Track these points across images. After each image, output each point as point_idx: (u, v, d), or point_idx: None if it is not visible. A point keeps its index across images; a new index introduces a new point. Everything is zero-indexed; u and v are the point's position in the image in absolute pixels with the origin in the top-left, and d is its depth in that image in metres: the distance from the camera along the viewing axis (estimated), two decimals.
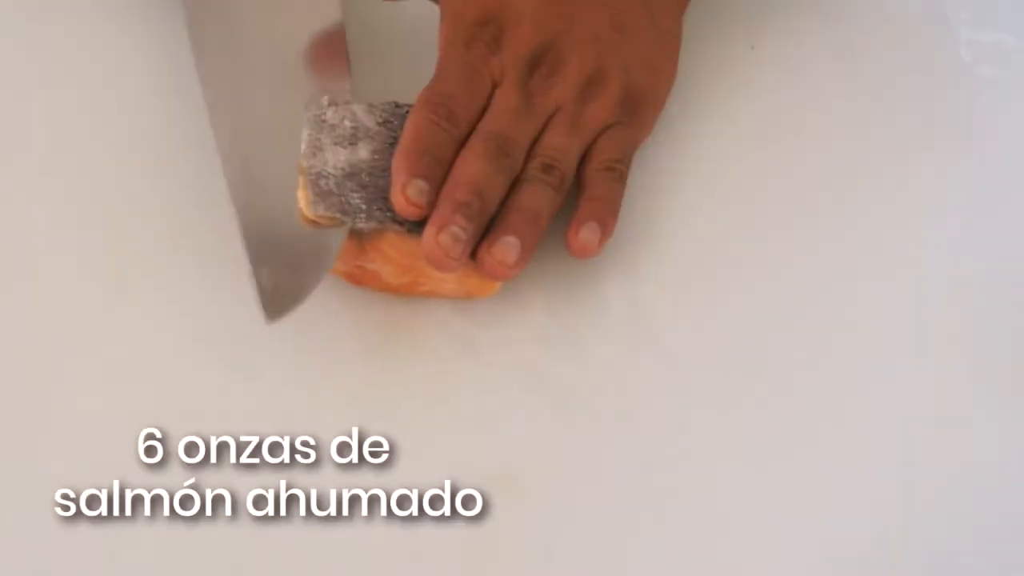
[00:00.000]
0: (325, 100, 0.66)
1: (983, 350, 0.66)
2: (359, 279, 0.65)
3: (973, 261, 0.69)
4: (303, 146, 0.65)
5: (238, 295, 0.64)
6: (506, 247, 0.63)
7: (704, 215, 0.69)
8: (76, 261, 0.66)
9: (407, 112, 0.66)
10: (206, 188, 0.68)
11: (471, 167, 0.64)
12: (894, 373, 0.66)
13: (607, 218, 0.66)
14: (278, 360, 0.64)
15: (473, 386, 0.64)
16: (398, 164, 0.64)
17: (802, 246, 0.69)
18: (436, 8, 0.70)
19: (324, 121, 0.65)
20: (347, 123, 0.66)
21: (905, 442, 0.64)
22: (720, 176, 0.71)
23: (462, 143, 0.65)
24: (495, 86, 0.67)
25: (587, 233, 0.66)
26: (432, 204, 0.63)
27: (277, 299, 0.62)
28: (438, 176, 0.64)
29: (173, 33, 0.71)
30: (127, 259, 0.66)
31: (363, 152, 0.65)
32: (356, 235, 0.64)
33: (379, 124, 0.66)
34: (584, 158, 0.68)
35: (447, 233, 0.62)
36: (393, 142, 0.65)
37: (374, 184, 0.64)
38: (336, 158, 0.65)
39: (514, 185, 0.65)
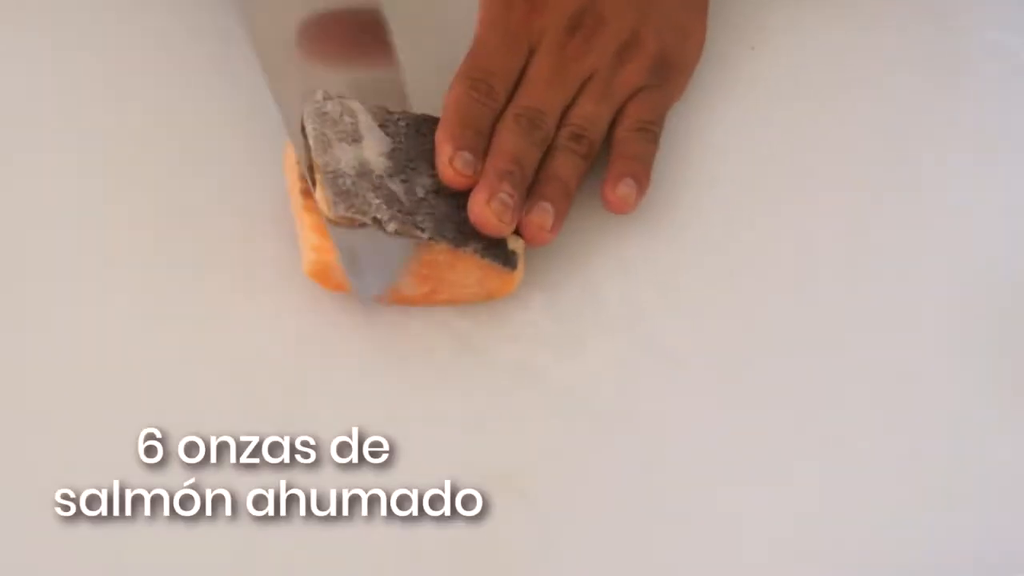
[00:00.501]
0: (320, 94, 0.66)
1: (991, 352, 0.66)
2: (376, 296, 0.65)
3: (979, 261, 0.69)
4: (311, 141, 0.65)
5: (240, 295, 0.64)
6: (543, 212, 0.66)
7: (703, 216, 0.69)
8: (76, 258, 0.66)
9: (399, 120, 0.66)
10: (214, 189, 0.68)
11: (508, 142, 0.67)
12: (898, 372, 0.66)
13: (641, 175, 0.69)
14: (278, 361, 0.64)
15: (473, 386, 0.64)
16: (442, 136, 0.66)
17: (803, 247, 0.69)
18: None
19: (325, 114, 0.65)
20: (347, 119, 0.66)
21: (909, 441, 0.64)
22: (719, 178, 0.71)
23: (500, 113, 0.68)
24: (532, 51, 0.70)
25: (624, 188, 0.68)
26: (478, 174, 0.66)
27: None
28: (480, 148, 0.66)
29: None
30: (129, 258, 0.67)
31: (368, 152, 0.65)
32: None
33: (379, 126, 0.66)
34: (616, 120, 0.70)
35: (497, 200, 0.65)
36: (393, 150, 0.65)
37: (385, 187, 0.64)
38: (346, 156, 0.65)
39: (547, 152, 0.68)
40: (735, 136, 0.72)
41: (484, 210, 0.65)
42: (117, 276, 0.66)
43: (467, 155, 0.66)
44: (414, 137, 0.67)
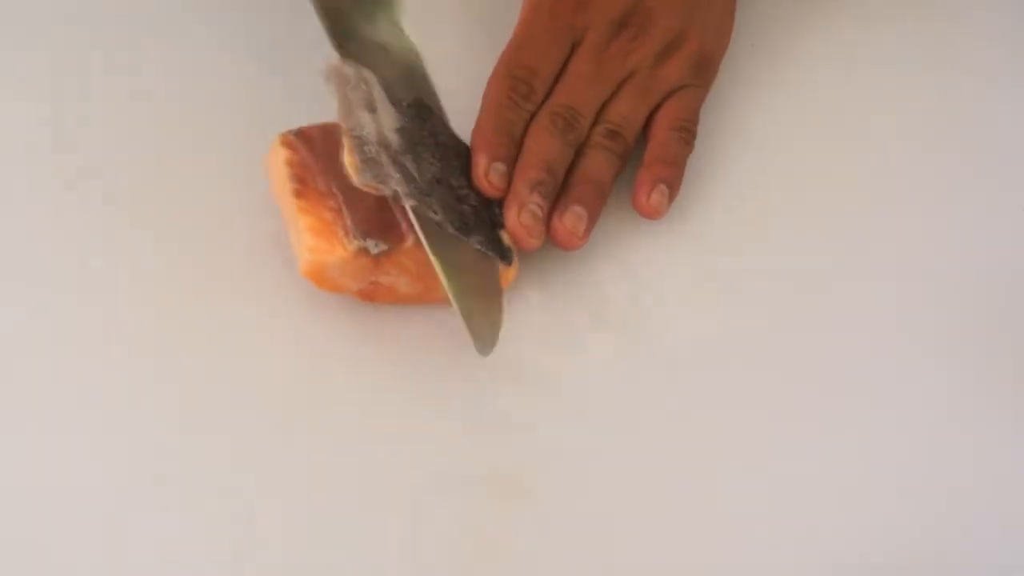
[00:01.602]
0: (336, 55, 0.66)
1: (987, 350, 0.66)
2: (372, 295, 0.65)
3: (976, 260, 0.69)
4: (336, 102, 0.65)
5: (236, 298, 0.64)
6: (576, 217, 0.66)
7: (703, 216, 0.69)
8: (66, 264, 0.67)
9: (402, 100, 0.66)
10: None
11: (542, 145, 0.67)
12: (896, 373, 0.66)
13: (675, 181, 0.69)
14: (277, 362, 0.64)
15: (472, 386, 0.64)
16: (478, 143, 0.66)
17: (802, 247, 0.69)
18: None
19: (345, 77, 0.65)
20: (363, 85, 0.65)
21: (907, 443, 0.64)
22: (718, 178, 0.71)
23: (537, 111, 0.68)
24: (576, 45, 0.69)
25: (658, 196, 0.68)
26: (510, 181, 0.66)
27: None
28: (513, 155, 0.67)
29: None
30: (120, 266, 0.67)
31: (384, 123, 0.65)
32: (367, 252, 0.64)
33: (391, 103, 0.66)
34: (652, 117, 0.70)
35: (527, 213, 0.65)
36: (402, 128, 0.65)
37: (400, 163, 0.64)
38: (367, 123, 0.65)
39: (580, 149, 0.68)
40: (736, 135, 0.72)
41: (515, 223, 0.65)
42: (109, 284, 0.66)
43: (501, 167, 0.66)
44: (415, 119, 0.66)
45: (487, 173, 0.66)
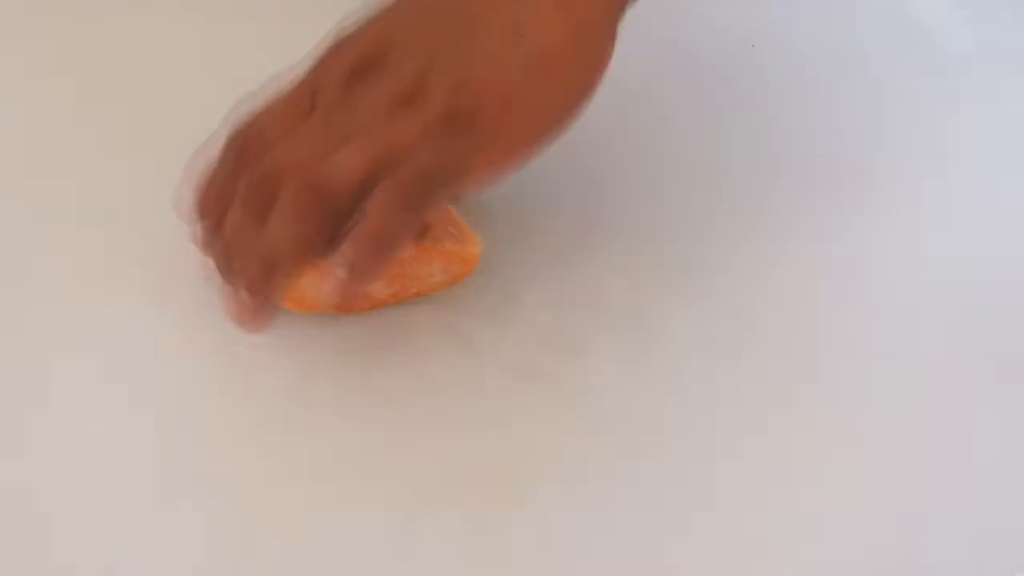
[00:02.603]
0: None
1: (985, 355, 0.67)
2: (350, 307, 0.65)
3: (974, 266, 0.69)
4: None
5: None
6: (237, 304, 0.60)
7: (704, 215, 0.69)
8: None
9: None
10: None
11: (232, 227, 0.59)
12: (899, 376, 0.66)
13: (365, 260, 0.58)
14: (276, 366, 0.64)
15: (472, 386, 0.64)
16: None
17: (803, 250, 0.69)
18: None
19: None
20: None
21: (912, 441, 0.64)
22: (720, 177, 0.71)
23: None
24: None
25: (327, 286, 0.60)
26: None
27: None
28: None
29: None
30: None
31: None
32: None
33: None
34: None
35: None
36: None
37: None
38: None
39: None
40: (735, 136, 0.72)
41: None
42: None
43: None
44: None
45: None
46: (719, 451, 0.63)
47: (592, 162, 0.69)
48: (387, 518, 0.61)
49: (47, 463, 0.61)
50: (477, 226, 0.66)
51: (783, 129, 0.73)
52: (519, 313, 0.66)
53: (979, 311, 0.68)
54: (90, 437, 0.62)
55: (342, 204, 0.58)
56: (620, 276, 0.67)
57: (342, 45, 0.60)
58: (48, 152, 0.70)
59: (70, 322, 0.65)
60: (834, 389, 0.65)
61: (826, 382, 0.66)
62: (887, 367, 0.66)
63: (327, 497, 0.61)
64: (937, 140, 0.73)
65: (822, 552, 0.62)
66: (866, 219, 0.70)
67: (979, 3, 0.78)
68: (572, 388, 0.64)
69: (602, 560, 0.61)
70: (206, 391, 0.63)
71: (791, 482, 0.63)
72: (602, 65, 0.59)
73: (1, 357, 0.64)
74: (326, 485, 0.61)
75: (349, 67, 0.59)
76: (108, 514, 0.60)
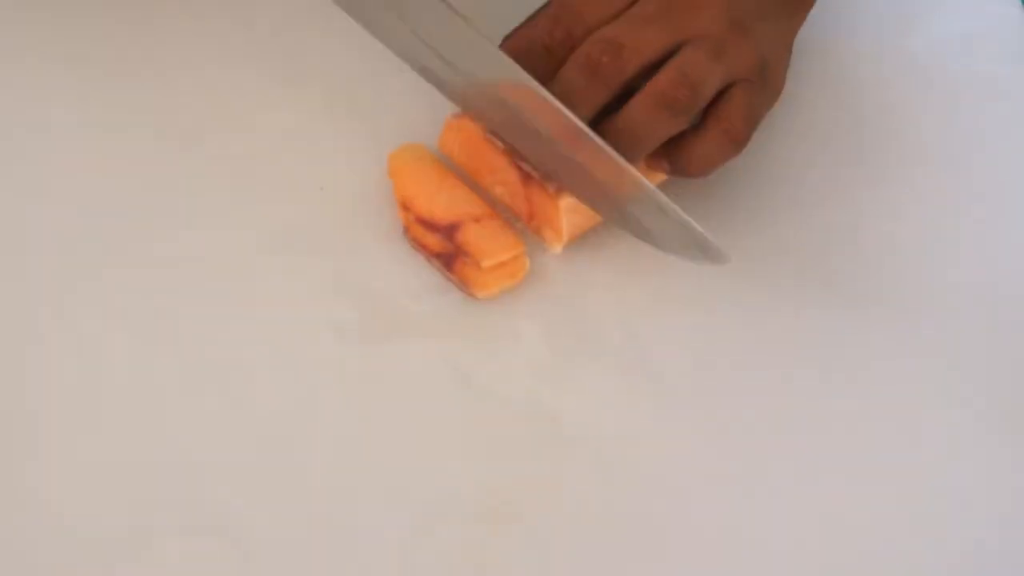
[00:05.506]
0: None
1: (990, 374, 0.67)
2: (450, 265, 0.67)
3: (980, 277, 0.70)
4: None
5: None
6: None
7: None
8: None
9: None
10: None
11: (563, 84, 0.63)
12: (896, 403, 0.66)
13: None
14: (278, 395, 0.64)
15: (470, 418, 0.64)
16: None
17: (799, 272, 0.69)
18: None
19: None
20: None
21: (907, 464, 0.65)
22: (713, 203, 0.70)
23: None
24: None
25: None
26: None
27: None
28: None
29: None
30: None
31: None
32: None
33: None
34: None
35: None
36: None
37: None
38: None
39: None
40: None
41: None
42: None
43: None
44: None
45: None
46: (717, 482, 0.64)
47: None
48: (383, 545, 0.61)
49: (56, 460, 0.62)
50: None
51: (783, 140, 0.72)
52: (516, 345, 0.66)
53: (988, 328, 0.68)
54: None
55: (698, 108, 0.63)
56: (617, 308, 0.67)
57: None
58: None
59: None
60: (834, 416, 0.65)
61: (826, 408, 0.66)
62: (892, 396, 0.66)
63: (321, 524, 0.61)
64: (940, 149, 0.73)
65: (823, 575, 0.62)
66: (868, 236, 0.70)
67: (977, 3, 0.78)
68: (569, 420, 0.64)
69: None
70: (198, 418, 0.63)
71: (791, 513, 0.63)
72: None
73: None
74: (320, 511, 0.61)
75: None
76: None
